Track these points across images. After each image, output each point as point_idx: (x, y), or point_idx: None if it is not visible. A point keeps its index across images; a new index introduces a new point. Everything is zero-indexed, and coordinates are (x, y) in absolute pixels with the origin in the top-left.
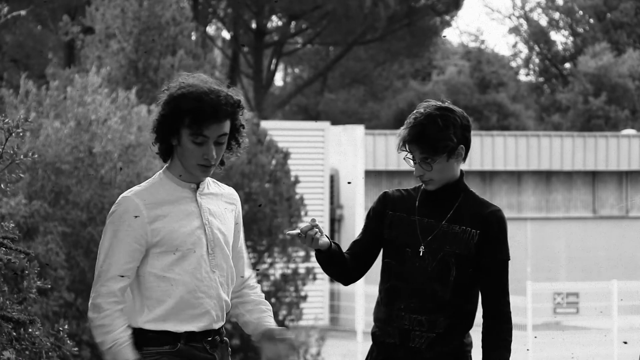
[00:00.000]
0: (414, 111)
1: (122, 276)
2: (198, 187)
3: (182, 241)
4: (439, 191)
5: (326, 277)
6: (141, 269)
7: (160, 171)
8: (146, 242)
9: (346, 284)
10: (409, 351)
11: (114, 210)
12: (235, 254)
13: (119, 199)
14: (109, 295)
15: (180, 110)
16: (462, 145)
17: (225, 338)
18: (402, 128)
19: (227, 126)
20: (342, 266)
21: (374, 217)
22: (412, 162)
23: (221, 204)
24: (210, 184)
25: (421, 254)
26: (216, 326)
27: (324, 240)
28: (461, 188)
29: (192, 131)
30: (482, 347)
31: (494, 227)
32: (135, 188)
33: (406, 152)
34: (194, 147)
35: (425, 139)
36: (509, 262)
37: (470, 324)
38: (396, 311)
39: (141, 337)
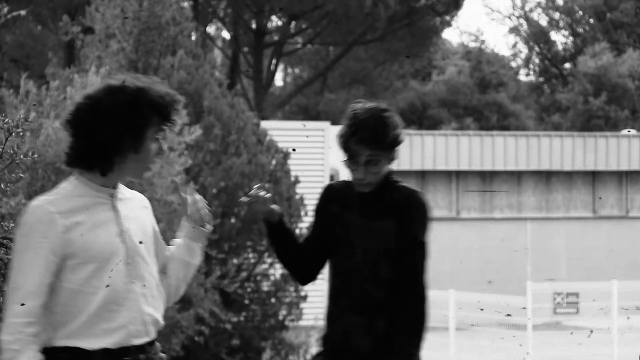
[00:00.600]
0: (353, 112)
1: (39, 292)
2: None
3: (98, 251)
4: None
5: (326, 277)
6: (55, 283)
7: (73, 177)
8: (62, 253)
9: (303, 282)
10: (352, 353)
11: (25, 220)
12: (159, 251)
13: (29, 207)
14: (25, 315)
15: (150, 107)
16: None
17: (159, 356)
18: (344, 129)
19: None
20: (297, 253)
21: (316, 212)
22: (352, 166)
23: (137, 209)
24: (123, 189)
25: (355, 253)
26: (136, 342)
27: (275, 207)
28: (389, 182)
29: (160, 126)
30: (390, 337)
31: (407, 209)
32: (46, 195)
33: (347, 156)
34: (154, 145)
35: (378, 140)
36: (425, 246)
37: None
38: (339, 311)
39: (52, 357)
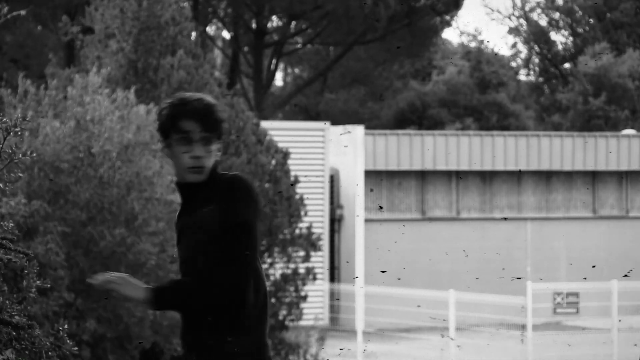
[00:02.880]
0: (176, 97)
1: None
2: None
3: None
4: (192, 186)
5: (326, 277)
6: None
7: None
8: None
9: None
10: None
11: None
12: None
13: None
14: None
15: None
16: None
17: None
18: (168, 106)
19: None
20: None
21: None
22: (183, 146)
23: None
24: None
25: (181, 253)
26: None
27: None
28: (215, 173)
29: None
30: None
31: (230, 191)
32: None
33: (175, 136)
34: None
35: (211, 115)
36: (249, 226)
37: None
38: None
39: None
